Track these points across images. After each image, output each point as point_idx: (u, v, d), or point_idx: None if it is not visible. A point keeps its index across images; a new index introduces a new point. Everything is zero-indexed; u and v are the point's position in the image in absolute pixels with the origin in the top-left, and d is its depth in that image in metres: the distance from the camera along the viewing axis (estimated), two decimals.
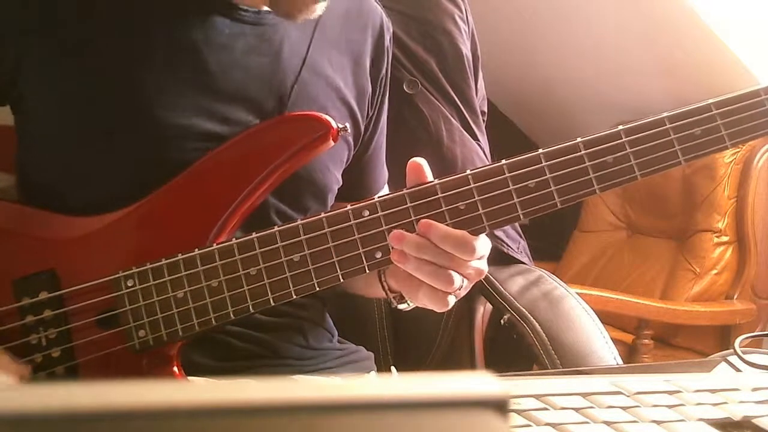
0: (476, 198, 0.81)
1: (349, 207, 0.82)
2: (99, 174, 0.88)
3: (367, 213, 0.82)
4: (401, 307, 0.91)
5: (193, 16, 0.89)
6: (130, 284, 0.83)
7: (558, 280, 1.37)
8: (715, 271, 2.24)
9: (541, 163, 0.81)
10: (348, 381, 0.26)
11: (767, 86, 0.83)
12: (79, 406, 0.23)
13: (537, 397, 0.54)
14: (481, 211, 0.81)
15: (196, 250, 0.82)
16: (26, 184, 0.94)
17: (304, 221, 0.82)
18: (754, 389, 0.59)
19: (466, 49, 1.52)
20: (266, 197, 0.88)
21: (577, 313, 1.26)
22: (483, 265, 0.84)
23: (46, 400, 0.23)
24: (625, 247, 2.51)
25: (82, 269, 0.84)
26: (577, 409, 0.53)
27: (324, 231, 0.82)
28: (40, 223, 0.87)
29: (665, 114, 0.82)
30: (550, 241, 2.53)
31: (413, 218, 0.81)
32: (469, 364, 1.37)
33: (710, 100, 0.82)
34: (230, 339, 0.93)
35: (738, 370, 0.76)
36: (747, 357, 0.75)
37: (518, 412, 0.52)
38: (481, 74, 1.60)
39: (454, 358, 1.35)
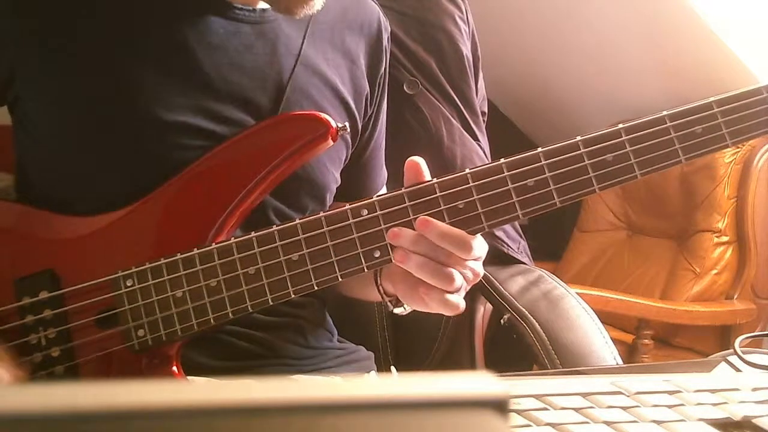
0: (475, 197, 0.81)
1: (347, 206, 0.82)
2: (97, 174, 0.88)
3: (365, 212, 0.82)
4: (397, 311, 0.91)
5: (188, 16, 0.89)
6: (129, 284, 0.83)
7: (558, 280, 1.37)
8: (715, 271, 2.24)
9: (540, 161, 0.81)
10: (348, 381, 0.26)
11: None
12: (78, 406, 0.23)
13: (537, 397, 0.54)
14: (480, 210, 0.81)
15: (195, 249, 0.82)
16: (25, 184, 0.94)
17: (303, 220, 0.82)
18: (754, 389, 0.59)
19: (466, 50, 1.52)
20: (265, 197, 0.88)
21: (577, 313, 1.26)
22: (479, 266, 0.84)
23: (46, 400, 0.23)
24: (625, 247, 2.51)
25: (82, 269, 0.84)
26: (577, 409, 0.53)
27: (322, 230, 0.82)
28: (40, 223, 0.88)
29: (665, 112, 0.82)
30: (550, 241, 2.53)
31: (412, 217, 0.81)
32: (469, 364, 1.37)
33: (711, 98, 0.82)
34: (229, 338, 0.93)
35: (738, 370, 0.76)
36: (747, 357, 0.74)
37: (518, 412, 0.52)
38: (481, 74, 1.60)
39: (454, 358, 1.35)
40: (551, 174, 0.81)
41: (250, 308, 0.82)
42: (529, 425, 0.51)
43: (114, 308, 0.83)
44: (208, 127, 0.88)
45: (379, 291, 0.91)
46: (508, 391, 0.26)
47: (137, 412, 0.23)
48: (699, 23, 2.18)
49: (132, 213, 0.86)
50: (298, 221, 0.82)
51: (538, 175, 0.81)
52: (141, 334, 0.83)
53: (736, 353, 0.75)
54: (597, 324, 1.24)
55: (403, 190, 0.82)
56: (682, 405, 0.55)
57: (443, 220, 0.81)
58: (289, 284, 0.82)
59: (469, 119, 1.52)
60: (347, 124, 0.88)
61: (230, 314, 0.82)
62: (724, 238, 2.25)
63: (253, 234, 0.82)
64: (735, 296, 2.24)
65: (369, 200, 0.82)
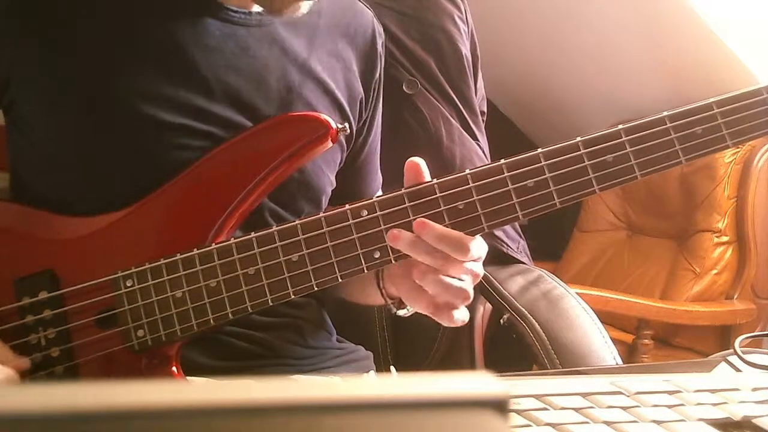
0: (475, 198, 0.81)
1: (347, 207, 0.82)
2: (96, 175, 0.88)
3: (365, 213, 0.82)
4: (401, 313, 0.91)
5: (185, 17, 0.89)
6: (128, 284, 0.83)
7: (558, 279, 1.37)
8: (715, 271, 2.24)
9: (540, 162, 0.81)
10: (348, 381, 0.26)
11: None
12: (78, 406, 0.23)
13: (537, 397, 0.54)
14: (480, 211, 0.81)
15: (195, 249, 0.82)
16: (20, 185, 0.94)
17: (303, 221, 0.82)
18: (754, 389, 0.59)
19: (465, 49, 1.52)
20: (264, 198, 0.88)
21: (577, 312, 1.26)
22: (479, 267, 0.84)
23: (46, 400, 0.23)
24: (625, 247, 2.51)
25: (82, 269, 0.84)
26: (577, 409, 0.53)
27: (322, 231, 0.82)
28: (40, 223, 0.88)
29: (665, 113, 0.82)
30: (550, 241, 2.53)
31: (411, 218, 0.81)
32: (469, 364, 1.36)
33: (711, 99, 0.82)
34: (229, 339, 0.93)
35: (738, 370, 0.76)
36: (747, 357, 0.75)
37: (518, 412, 0.52)
38: (480, 74, 1.60)
39: (454, 358, 1.35)
40: (551, 175, 0.81)
41: (249, 309, 0.82)
42: (529, 425, 0.51)
43: (114, 308, 0.83)
44: (205, 128, 0.88)
45: (381, 294, 0.91)
46: (508, 391, 0.26)
47: (137, 412, 0.23)
48: (699, 23, 2.18)
49: (132, 213, 0.86)
50: (298, 222, 0.82)
51: (538, 175, 0.81)
52: (140, 334, 0.83)
53: (736, 353, 0.75)
54: (597, 324, 1.24)
55: (403, 190, 0.82)
56: (682, 405, 0.55)
57: (443, 221, 0.81)
58: (289, 285, 0.82)
59: (468, 119, 1.52)
60: (347, 125, 0.88)
61: (230, 315, 0.82)
62: (724, 238, 2.25)
63: (253, 234, 0.82)
64: (735, 296, 2.24)
65: (369, 201, 0.82)
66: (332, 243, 0.82)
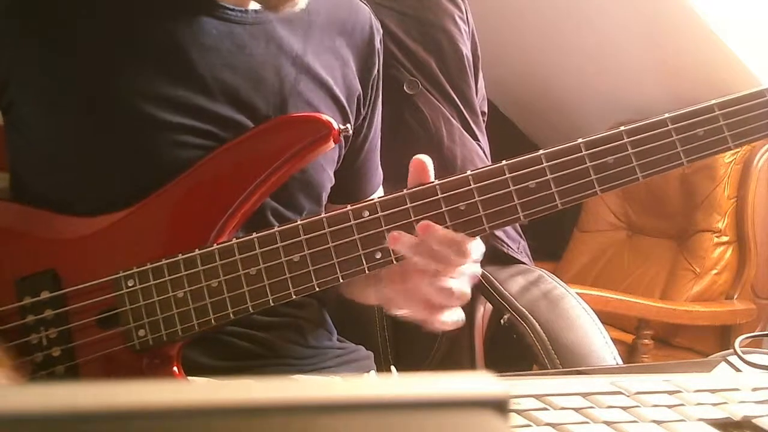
0: (477, 199, 0.81)
1: (349, 207, 0.82)
2: (96, 174, 0.88)
3: (367, 213, 0.82)
4: (399, 312, 0.91)
5: (182, 16, 0.89)
6: (130, 284, 0.83)
7: (558, 279, 1.37)
8: (715, 271, 2.24)
9: (542, 163, 0.81)
10: (348, 381, 0.26)
11: None
12: (78, 406, 0.23)
13: (537, 397, 0.54)
14: (481, 213, 0.81)
15: (197, 249, 0.83)
16: (20, 186, 0.94)
17: (304, 221, 0.82)
18: (754, 389, 0.59)
19: (466, 49, 1.52)
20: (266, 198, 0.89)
21: (577, 312, 1.26)
22: (477, 268, 0.85)
23: (46, 400, 0.23)
24: (625, 247, 2.51)
25: (83, 269, 0.84)
26: (577, 409, 0.53)
27: (324, 231, 0.82)
28: (41, 223, 0.88)
29: (667, 115, 0.82)
30: (550, 241, 2.53)
31: (413, 219, 0.81)
32: (469, 364, 1.37)
33: (713, 101, 0.82)
34: (230, 339, 0.93)
35: (738, 370, 0.76)
36: (747, 357, 0.74)
37: (518, 412, 0.52)
38: (481, 74, 1.60)
39: (454, 358, 1.35)
40: (553, 176, 0.81)
41: (251, 309, 0.82)
42: (529, 425, 0.51)
43: (115, 308, 0.83)
44: (204, 127, 0.88)
45: (378, 295, 0.92)
46: (508, 391, 0.26)
47: (137, 412, 0.23)
48: (699, 23, 2.18)
49: (134, 213, 0.86)
50: (299, 222, 0.82)
51: (539, 177, 0.81)
52: (142, 334, 0.83)
53: (736, 353, 0.75)
54: (597, 324, 1.24)
55: (405, 191, 0.82)
56: (682, 405, 0.55)
57: (444, 222, 0.81)
58: (290, 285, 0.82)
59: (469, 119, 1.52)
60: (349, 125, 0.88)
61: (231, 315, 0.82)
62: (724, 238, 2.25)
63: (254, 235, 0.83)
64: (735, 296, 2.24)
65: (371, 201, 0.82)
66: (334, 243, 0.82)
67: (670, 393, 0.57)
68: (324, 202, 1.00)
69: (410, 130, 1.46)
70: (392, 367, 1.21)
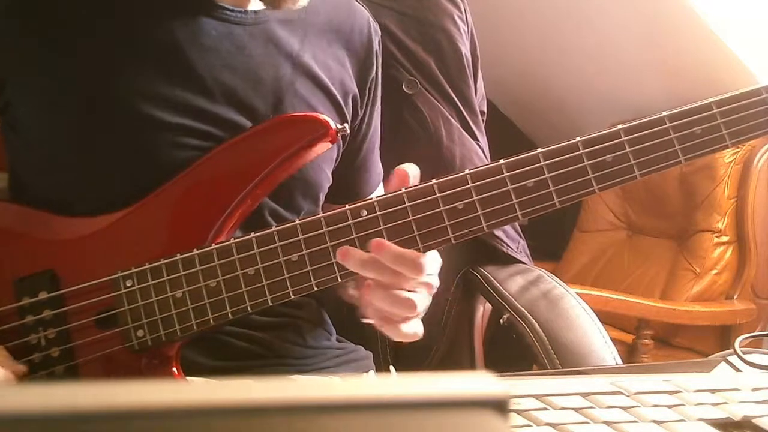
0: (474, 198, 0.81)
1: (347, 207, 0.82)
2: (95, 175, 0.88)
3: (365, 213, 0.82)
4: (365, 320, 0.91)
5: (182, 17, 0.89)
6: (128, 284, 0.83)
7: (557, 279, 1.37)
8: (715, 271, 2.24)
9: (540, 162, 0.81)
10: (347, 381, 0.26)
11: None
12: (78, 406, 0.23)
13: (537, 397, 0.54)
14: (479, 212, 0.81)
15: (195, 249, 0.82)
16: (19, 186, 0.94)
17: (302, 221, 0.82)
18: (754, 389, 0.59)
19: (465, 49, 1.52)
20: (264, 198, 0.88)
21: (577, 312, 1.26)
22: (434, 279, 0.84)
23: (46, 400, 0.23)
24: (625, 247, 2.51)
25: (82, 269, 0.84)
26: (577, 409, 0.53)
27: (322, 231, 0.82)
28: (40, 224, 0.88)
29: (665, 113, 0.82)
30: (550, 241, 2.53)
31: (411, 218, 0.81)
32: (469, 364, 1.36)
33: (711, 99, 0.82)
34: (228, 339, 0.93)
35: (738, 370, 0.76)
36: (747, 357, 0.74)
37: (518, 412, 0.52)
38: (480, 74, 1.60)
39: (454, 358, 1.35)
40: (551, 175, 0.81)
41: (249, 309, 0.82)
42: (529, 425, 0.51)
43: (113, 309, 0.83)
44: (204, 128, 0.88)
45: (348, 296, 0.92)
46: (508, 391, 0.26)
47: (137, 412, 0.23)
48: (699, 23, 2.18)
49: (132, 213, 0.86)
50: (297, 222, 0.82)
51: (537, 176, 0.81)
52: (140, 334, 0.83)
53: (736, 353, 0.75)
54: (597, 324, 1.24)
55: (404, 190, 0.82)
56: (682, 405, 0.55)
57: (443, 221, 0.81)
58: (288, 285, 0.82)
59: (468, 119, 1.52)
60: (346, 125, 0.88)
61: (230, 315, 0.82)
62: (724, 238, 2.25)
63: (252, 235, 0.83)
64: (735, 296, 2.24)
65: (368, 201, 0.82)
66: (332, 243, 0.82)
67: (670, 393, 0.57)
68: (321, 202, 1.00)
69: (409, 129, 1.46)
70: (391, 367, 1.21)
